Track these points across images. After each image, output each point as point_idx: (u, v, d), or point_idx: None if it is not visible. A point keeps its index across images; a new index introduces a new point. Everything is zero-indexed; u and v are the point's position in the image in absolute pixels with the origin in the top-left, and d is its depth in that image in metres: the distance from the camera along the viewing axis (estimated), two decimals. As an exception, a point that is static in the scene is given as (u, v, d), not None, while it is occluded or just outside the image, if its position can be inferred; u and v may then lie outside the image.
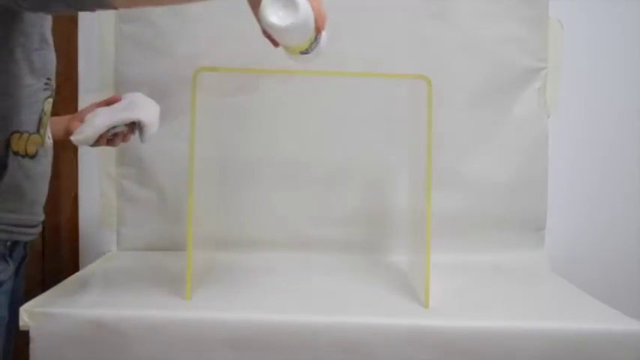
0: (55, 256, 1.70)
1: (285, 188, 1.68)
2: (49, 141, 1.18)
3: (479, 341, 1.13)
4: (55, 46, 1.65)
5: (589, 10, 1.70)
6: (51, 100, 1.16)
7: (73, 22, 1.67)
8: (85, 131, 1.26)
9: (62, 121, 1.33)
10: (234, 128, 1.67)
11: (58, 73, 1.75)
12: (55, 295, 1.23)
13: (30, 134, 1.09)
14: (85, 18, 1.67)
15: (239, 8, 1.65)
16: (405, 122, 1.55)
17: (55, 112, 1.68)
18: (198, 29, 1.65)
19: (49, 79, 1.14)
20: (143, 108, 1.32)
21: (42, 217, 1.18)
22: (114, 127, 1.28)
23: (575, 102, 1.73)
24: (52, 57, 1.15)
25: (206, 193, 1.40)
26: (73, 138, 1.25)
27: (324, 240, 1.68)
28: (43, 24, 1.11)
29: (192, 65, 1.25)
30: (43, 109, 1.12)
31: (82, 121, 1.30)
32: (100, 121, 1.27)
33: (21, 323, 1.12)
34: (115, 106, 1.32)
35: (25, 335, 1.13)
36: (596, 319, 1.20)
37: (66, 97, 1.68)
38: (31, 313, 1.12)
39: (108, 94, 1.68)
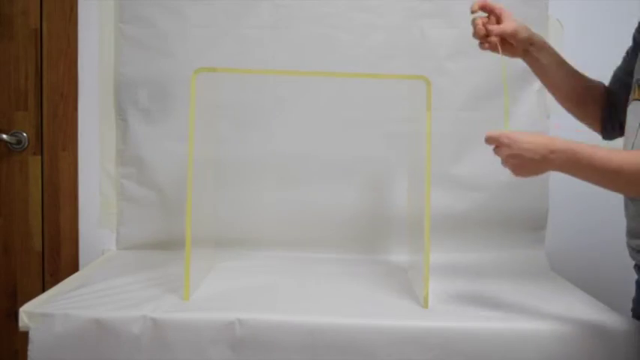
0: (55, 256, 1.71)
1: (284, 188, 1.68)
2: None
3: (478, 341, 1.13)
4: (55, 46, 1.67)
5: (589, 10, 1.70)
6: None
7: (73, 22, 1.67)
8: None
9: None
10: (234, 128, 1.67)
11: (58, 74, 1.76)
12: (55, 295, 1.24)
13: None
14: (85, 18, 1.67)
15: (238, 10, 1.67)
16: (404, 122, 1.55)
17: (53, 112, 1.70)
18: (198, 30, 1.65)
19: None
20: None
21: None
22: None
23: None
24: None
25: (205, 192, 1.40)
26: None
27: (324, 240, 1.68)
28: None
29: (191, 65, 1.25)
30: None
31: None
32: None
33: (20, 324, 1.12)
34: None
35: (25, 336, 1.13)
36: (595, 319, 1.19)
37: (66, 97, 1.68)
38: (30, 314, 1.12)
39: (108, 94, 1.68)
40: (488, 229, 1.69)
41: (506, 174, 1.68)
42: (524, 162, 1.08)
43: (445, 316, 1.18)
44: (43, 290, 1.27)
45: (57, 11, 1.67)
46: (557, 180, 1.71)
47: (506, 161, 1.10)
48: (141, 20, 1.65)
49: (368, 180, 1.69)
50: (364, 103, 1.66)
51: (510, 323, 1.15)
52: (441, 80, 1.62)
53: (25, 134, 1.70)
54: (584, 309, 1.26)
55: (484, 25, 1.22)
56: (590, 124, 1.33)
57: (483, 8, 1.22)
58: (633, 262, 1.23)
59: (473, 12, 1.22)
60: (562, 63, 1.29)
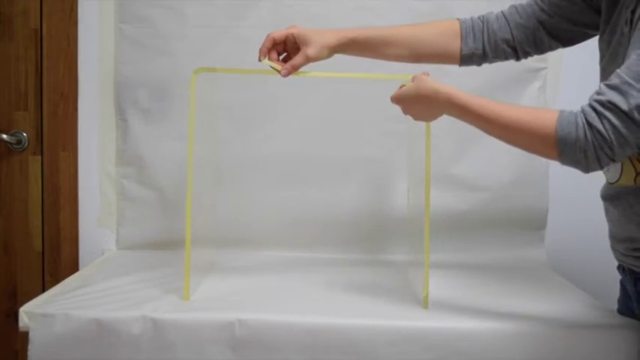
0: (55, 256, 1.71)
1: (284, 188, 1.68)
2: None
3: (478, 342, 1.13)
4: (55, 46, 1.67)
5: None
6: None
7: (73, 22, 1.67)
8: None
9: None
10: (234, 128, 1.67)
11: (58, 74, 1.75)
12: (55, 295, 1.24)
13: None
14: (85, 18, 1.67)
15: (238, 10, 1.67)
16: (405, 122, 1.55)
17: (53, 112, 1.70)
18: (198, 30, 1.65)
19: None
20: None
21: None
22: None
23: (575, 102, 1.72)
24: None
25: (205, 192, 1.40)
26: None
27: (324, 240, 1.68)
28: None
29: (191, 65, 1.25)
30: None
31: None
32: None
33: (20, 324, 1.12)
34: None
35: (25, 336, 1.13)
36: (595, 319, 1.20)
37: (66, 97, 1.68)
38: (30, 314, 1.12)
39: (108, 94, 1.69)
40: (488, 229, 1.69)
41: (506, 174, 1.70)
42: (421, 111, 1.20)
43: (445, 316, 1.18)
44: (43, 290, 1.27)
45: (57, 11, 1.67)
46: (557, 180, 1.71)
47: (406, 113, 1.21)
48: (141, 20, 1.65)
49: (368, 180, 1.69)
50: (364, 102, 1.66)
51: (510, 323, 1.15)
52: (441, 81, 1.62)
53: (25, 134, 1.70)
54: (584, 309, 1.26)
55: (279, 63, 1.21)
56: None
57: (275, 47, 1.21)
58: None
59: (261, 61, 1.20)
60: (389, 44, 1.28)
